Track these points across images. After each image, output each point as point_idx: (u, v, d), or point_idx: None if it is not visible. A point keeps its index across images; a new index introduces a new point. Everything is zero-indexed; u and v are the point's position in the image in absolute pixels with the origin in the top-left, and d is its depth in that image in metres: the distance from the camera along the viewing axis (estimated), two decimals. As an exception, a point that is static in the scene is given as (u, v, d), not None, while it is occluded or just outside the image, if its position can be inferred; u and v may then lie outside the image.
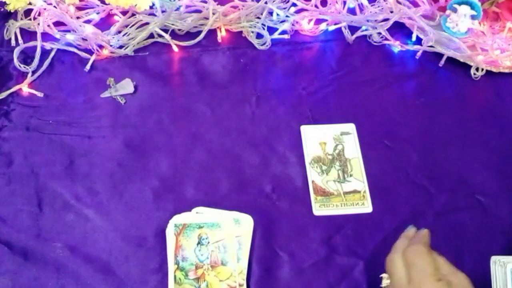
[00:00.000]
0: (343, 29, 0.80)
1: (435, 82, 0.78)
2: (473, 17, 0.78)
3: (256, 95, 0.75)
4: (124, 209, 0.65)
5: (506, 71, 0.78)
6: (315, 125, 0.73)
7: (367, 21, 0.81)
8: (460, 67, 0.79)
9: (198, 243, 0.62)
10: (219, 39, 0.80)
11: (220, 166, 0.69)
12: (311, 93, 0.76)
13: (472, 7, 0.77)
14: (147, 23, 0.79)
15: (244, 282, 0.60)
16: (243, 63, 0.79)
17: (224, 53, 0.80)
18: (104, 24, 0.80)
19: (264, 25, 0.81)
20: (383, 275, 0.54)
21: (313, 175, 0.68)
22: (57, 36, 0.77)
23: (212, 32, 0.80)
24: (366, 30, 0.82)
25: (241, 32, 0.81)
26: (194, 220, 0.63)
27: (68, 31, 0.78)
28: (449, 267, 0.52)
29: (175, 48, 0.79)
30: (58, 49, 0.77)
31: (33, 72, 0.75)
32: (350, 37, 0.81)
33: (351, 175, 0.69)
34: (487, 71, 0.78)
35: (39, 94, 0.73)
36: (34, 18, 0.78)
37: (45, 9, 0.78)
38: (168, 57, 0.79)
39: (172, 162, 0.69)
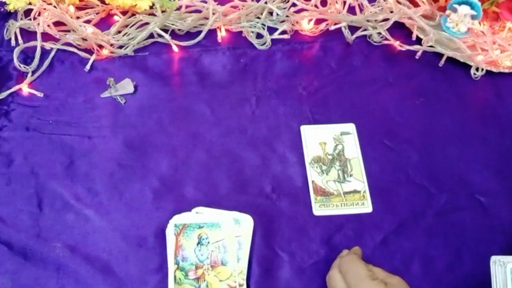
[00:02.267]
0: (343, 29, 0.80)
1: (435, 82, 0.78)
2: (473, 17, 0.78)
3: (256, 95, 0.76)
4: (124, 209, 0.65)
5: (506, 71, 0.78)
6: (315, 125, 0.73)
7: (367, 21, 0.81)
8: (460, 67, 0.79)
9: (198, 243, 0.62)
10: (219, 39, 0.80)
11: (220, 166, 0.69)
12: (311, 93, 0.76)
13: (472, 7, 0.77)
14: (147, 23, 0.79)
15: (244, 282, 0.60)
16: (243, 63, 0.79)
17: (224, 53, 0.80)
18: (104, 24, 0.80)
19: (264, 25, 0.81)
20: None
21: (313, 175, 0.68)
22: (57, 36, 0.77)
23: (212, 32, 0.80)
24: (366, 30, 0.81)
25: (241, 32, 0.81)
26: (194, 220, 0.63)
27: (68, 31, 0.78)
28: (384, 273, 0.54)
29: (175, 48, 0.79)
30: (58, 49, 0.77)
31: (33, 72, 0.75)
32: (350, 37, 0.80)
33: (351, 175, 0.69)
34: (487, 71, 0.78)
35: (39, 94, 0.73)
36: (34, 18, 0.78)
37: (45, 9, 0.78)
38: (168, 57, 0.79)
39: (172, 162, 0.69)
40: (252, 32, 0.81)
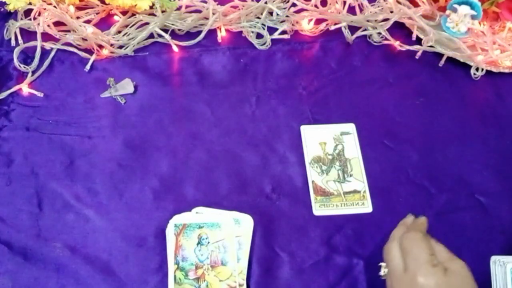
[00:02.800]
0: (343, 29, 0.80)
1: (435, 82, 0.78)
2: (473, 17, 0.78)
3: (256, 95, 0.76)
4: (124, 209, 0.65)
5: (506, 71, 0.78)
6: (315, 125, 0.73)
7: (367, 21, 0.81)
8: (460, 67, 0.79)
9: (198, 243, 0.62)
10: (219, 39, 0.80)
11: (220, 166, 0.69)
12: (311, 93, 0.76)
13: (472, 7, 0.77)
14: (147, 23, 0.79)
15: (244, 282, 0.60)
16: (243, 63, 0.79)
17: (224, 53, 0.80)
18: (104, 24, 0.80)
19: (264, 25, 0.81)
20: (382, 263, 0.54)
21: (313, 175, 0.68)
22: (57, 36, 0.77)
23: (212, 32, 0.80)
24: (366, 30, 0.81)
25: (241, 32, 0.81)
26: (194, 220, 0.63)
27: (68, 31, 0.78)
28: (447, 254, 0.51)
29: (175, 48, 0.79)
30: (58, 49, 0.77)
31: (33, 72, 0.75)
32: (350, 37, 0.80)
33: (351, 175, 0.69)
34: (487, 71, 0.78)
35: (39, 94, 0.73)
36: (34, 18, 0.78)
37: (45, 9, 0.78)
38: (168, 57, 0.79)
39: (172, 162, 0.69)
40: (252, 32, 0.81)
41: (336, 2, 0.82)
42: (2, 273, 0.60)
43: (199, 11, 0.81)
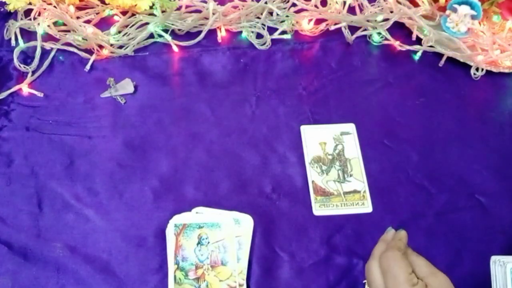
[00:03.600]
0: (343, 29, 0.80)
1: (435, 82, 0.78)
2: (473, 17, 0.78)
3: (256, 95, 0.76)
4: (124, 209, 0.65)
5: (506, 71, 0.78)
6: (315, 125, 0.73)
7: (367, 21, 0.81)
8: (460, 67, 0.79)
9: (198, 243, 0.62)
10: (219, 39, 0.80)
11: (220, 166, 0.69)
12: (311, 93, 0.76)
13: (472, 7, 0.77)
14: (147, 23, 0.79)
15: (244, 282, 0.60)
16: (243, 63, 0.79)
17: (224, 53, 0.80)
18: (104, 24, 0.80)
19: (264, 25, 0.81)
20: (366, 281, 0.54)
21: (313, 175, 0.68)
22: (57, 36, 0.77)
23: (212, 32, 0.80)
24: (366, 30, 0.81)
25: (241, 32, 0.81)
26: (194, 220, 0.63)
27: (68, 31, 0.78)
28: (428, 269, 0.51)
29: (175, 48, 0.79)
30: (58, 49, 0.77)
31: (33, 72, 0.75)
32: (350, 37, 0.80)
33: (351, 175, 0.69)
34: (487, 71, 0.78)
35: (39, 94, 0.73)
36: (34, 18, 0.78)
37: (45, 9, 0.78)
38: (168, 57, 0.79)
39: (172, 162, 0.69)
40: (252, 32, 0.81)
41: (336, 2, 0.82)
42: (2, 273, 0.60)
43: (199, 11, 0.81)
